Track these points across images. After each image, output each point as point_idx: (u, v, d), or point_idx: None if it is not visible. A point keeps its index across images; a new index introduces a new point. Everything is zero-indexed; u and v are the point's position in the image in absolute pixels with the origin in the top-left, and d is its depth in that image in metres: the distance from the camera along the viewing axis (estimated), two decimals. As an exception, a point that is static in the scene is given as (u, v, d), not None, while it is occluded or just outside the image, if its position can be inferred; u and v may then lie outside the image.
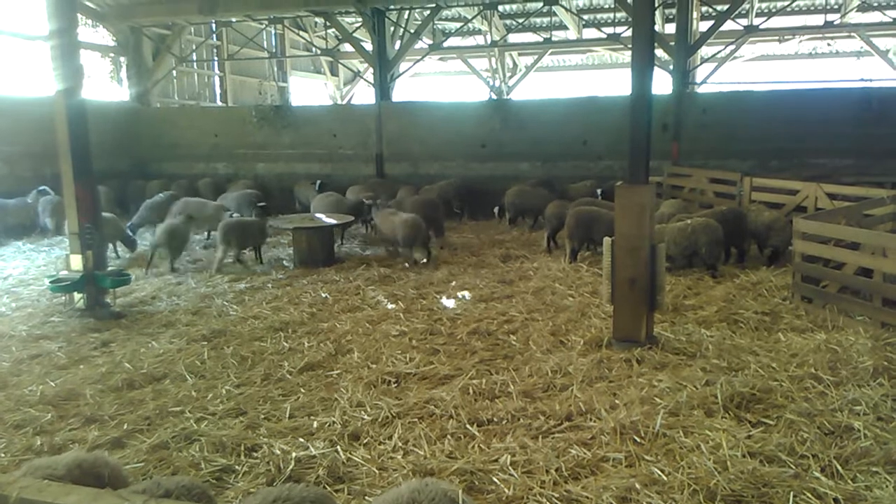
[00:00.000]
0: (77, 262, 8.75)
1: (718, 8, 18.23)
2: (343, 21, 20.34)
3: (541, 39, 23.32)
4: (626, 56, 21.52)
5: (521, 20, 23.66)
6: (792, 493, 4.28)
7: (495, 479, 4.58)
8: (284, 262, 12.05)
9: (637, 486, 4.41)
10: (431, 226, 13.04)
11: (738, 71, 25.13)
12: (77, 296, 8.91)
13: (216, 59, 24.28)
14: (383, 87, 18.62)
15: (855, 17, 21.02)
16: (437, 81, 31.85)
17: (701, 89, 19.12)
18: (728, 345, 7.06)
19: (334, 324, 8.26)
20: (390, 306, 9.01)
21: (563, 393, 6.00)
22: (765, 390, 5.80)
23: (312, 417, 5.66)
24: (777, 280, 9.50)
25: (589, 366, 6.54)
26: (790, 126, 15.21)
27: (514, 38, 25.35)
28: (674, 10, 16.92)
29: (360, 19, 19.83)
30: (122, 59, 20.62)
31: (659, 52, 18.02)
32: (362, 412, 5.68)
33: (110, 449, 5.19)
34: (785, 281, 9.25)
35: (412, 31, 19.54)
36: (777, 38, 23.04)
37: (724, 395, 5.64)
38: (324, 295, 9.62)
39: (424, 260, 11.43)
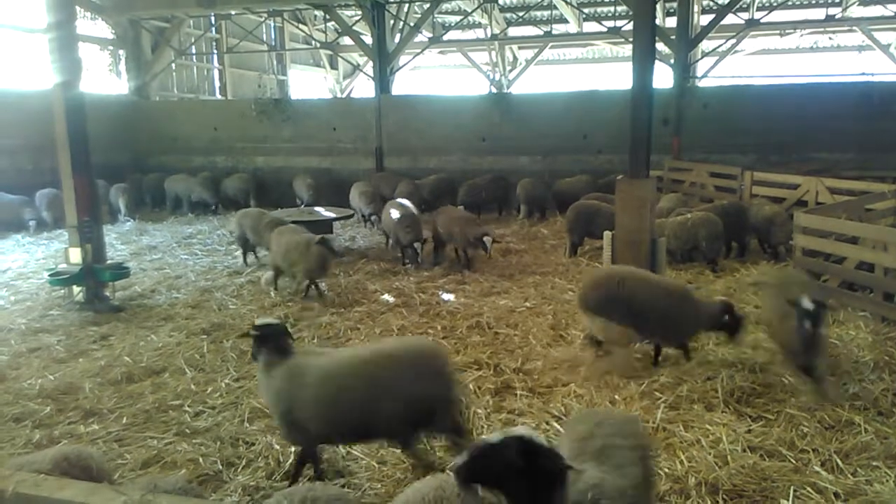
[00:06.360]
0: (76, 255, 8.73)
1: (719, 1, 18.14)
2: (343, 14, 20.25)
3: (541, 33, 23.23)
4: (627, 50, 21.47)
5: (521, 13, 23.55)
6: (792, 488, 4.28)
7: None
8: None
9: (637, 480, 4.40)
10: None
11: (739, 65, 25.03)
12: (76, 289, 8.89)
13: (215, 52, 24.18)
14: (383, 80, 18.56)
15: (856, 11, 20.91)
16: (437, 75, 31.78)
17: (702, 83, 19.05)
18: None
19: (334, 317, 8.25)
20: (390, 300, 9.00)
21: (564, 388, 5.99)
22: (765, 385, 5.80)
23: (312, 411, 5.63)
24: (777, 274, 9.48)
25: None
26: (791, 120, 15.16)
27: (514, 31, 25.21)
28: (675, 4, 16.85)
29: (359, 12, 19.73)
30: (121, 51, 20.54)
31: (660, 46, 17.90)
32: (362, 406, 5.66)
33: (109, 442, 5.18)
34: (785, 275, 9.23)
35: (412, 24, 19.45)
36: (778, 32, 22.89)
37: (725, 390, 5.64)
38: (324, 288, 9.59)
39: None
